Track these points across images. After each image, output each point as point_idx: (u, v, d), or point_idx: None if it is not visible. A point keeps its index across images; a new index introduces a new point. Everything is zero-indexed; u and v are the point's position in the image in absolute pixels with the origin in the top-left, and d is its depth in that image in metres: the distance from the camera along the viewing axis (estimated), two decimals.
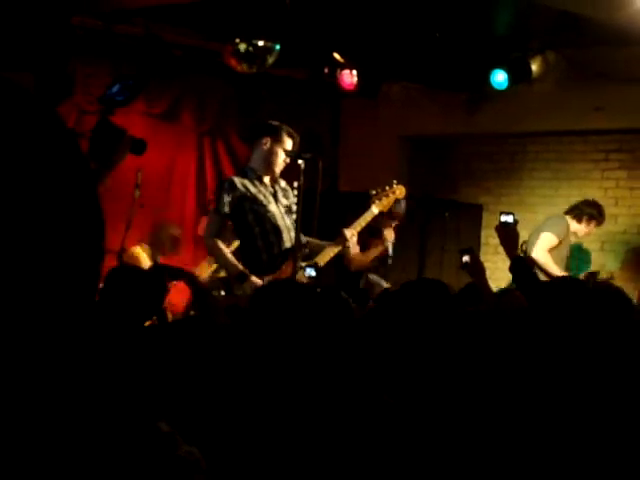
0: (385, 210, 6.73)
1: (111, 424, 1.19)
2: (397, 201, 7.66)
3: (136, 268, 5.98)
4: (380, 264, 7.94)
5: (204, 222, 7.59)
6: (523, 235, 6.17)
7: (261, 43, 7.49)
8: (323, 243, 6.45)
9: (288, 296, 3.55)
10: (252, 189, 6.39)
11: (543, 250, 8.00)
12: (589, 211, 8.36)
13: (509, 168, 10.54)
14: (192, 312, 6.87)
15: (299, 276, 6.05)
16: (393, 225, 7.62)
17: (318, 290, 4.10)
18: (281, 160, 6.41)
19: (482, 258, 7.09)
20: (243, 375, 3.02)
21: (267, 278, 6.11)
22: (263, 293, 3.80)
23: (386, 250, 7.58)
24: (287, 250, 6.35)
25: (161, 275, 4.76)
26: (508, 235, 5.19)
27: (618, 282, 7.40)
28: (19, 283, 0.91)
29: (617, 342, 3.04)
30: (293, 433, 2.82)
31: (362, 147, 10.49)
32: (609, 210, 9.40)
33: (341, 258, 7.19)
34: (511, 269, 4.97)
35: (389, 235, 7.55)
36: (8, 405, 0.96)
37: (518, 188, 10.46)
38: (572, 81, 8.74)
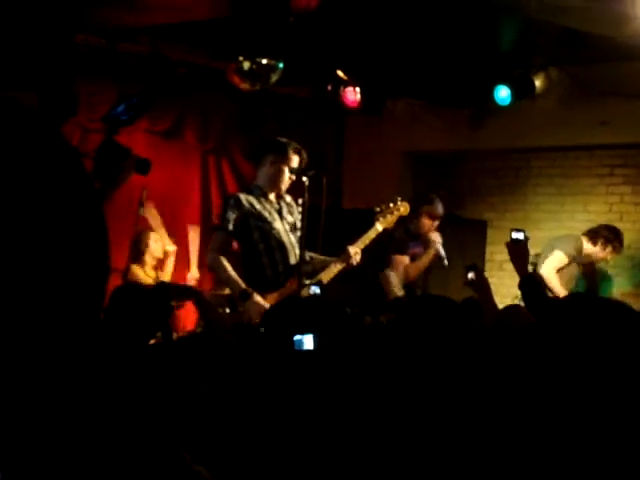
0: (390, 227, 6.72)
1: (117, 441, 1.18)
2: (436, 202, 7.66)
3: (140, 286, 5.98)
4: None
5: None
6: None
7: (265, 61, 7.50)
8: (327, 259, 6.45)
9: (299, 313, 3.54)
10: (257, 206, 6.39)
11: (552, 268, 7.97)
12: (605, 234, 8.23)
13: (513, 184, 10.54)
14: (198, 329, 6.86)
15: (304, 293, 6.04)
16: (435, 226, 7.62)
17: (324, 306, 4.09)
18: (286, 178, 6.40)
19: (487, 274, 7.06)
20: (249, 392, 3.01)
21: (271, 295, 6.11)
22: (276, 311, 3.78)
23: (437, 252, 7.56)
24: (291, 267, 6.34)
25: (165, 293, 4.75)
26: (518, 252, 5.18)
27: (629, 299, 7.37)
28: (25, 301, 0.90)
29: (628, 359, 3.02)
30: (299, 451, 2.81)
31: (366, 164, 10.50)
32: (614, 225, 9.39)
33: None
34: (520, 286, 4.95)
35: (436, 237, 7.56)
36: (18, 423, 0.96)
37: (523, 204, 10.45)
38: (575, 97, 8.75)
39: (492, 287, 5.49)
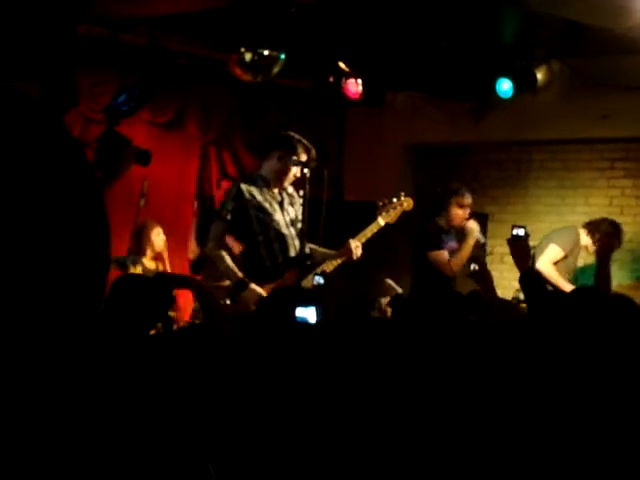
0: (392, 222, 6.62)
1: (118, 435, 1.19)
2: (462, 190, 7.57)
3: (141, 277, 5.99)
4: (478, 256, 7.60)
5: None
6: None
7: (266, 52, 7.49)
8: (327, 252, 6.43)
9: (293, 303, 3.55)
10: (258, 197, 6.38)
11: (548, 262, 7.92)
12: (604, 228, 8.20)
13: (515, 177, 10.52)
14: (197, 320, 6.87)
15: (306, 284, 6.04)
16: (467, 215, 7.50)
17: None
18: (292, 174, 6.39)
19: (488, 267, 7.07)
20: (249, 382, 3.01)
21: (268, 286, 6.10)
22: (269, 301, 3.79)
23: (478, 241, 7.45)
24: (290, 258, 6.34)
25: (166, 283, 4.76)
26: (519, 248, 5.21)
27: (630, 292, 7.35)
28: (25, 291, 0.90)
29: (630, 353, 3.03)
30: (299, 443, 2.82)
31: (367, 156, 10.48)
32: (615, 219, 9.38)
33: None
34: (521, 281, 4.97)
35: (473, 225, 7.44)
36: (19, 418, 0.96)
37: (524, 197, 10.43)
38: (577, 90, 8.74)
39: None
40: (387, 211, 6.61)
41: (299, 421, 2.88)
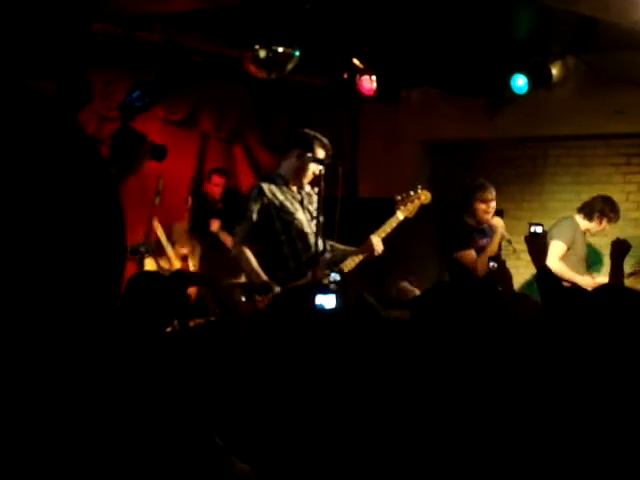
0: (411, 216, 6.58)
1: (132, 432, 1.19)
2: (485, 185, 7.52)
3: (157, 274, 5.99)
4: (497, 254, 7.51)
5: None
6: None
7: (281, 49, 7.49)
8: (348, 249, 6.41)
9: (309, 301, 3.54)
10: (280, 196, 6.36)
11: (556, 259, 7.90)
12: (600, 208, 8.23)
13: (530, 173, 10.48)
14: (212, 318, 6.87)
15: (324, 281, 6.02)
16: (491, 211, 7.46)
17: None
18: (310, 172, 6.38)
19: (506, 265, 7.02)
20: (264, 379, 3.01)
21: (292, 286, 6.08)
22: (282, 299, 3.79)
23: (503, 236, 7.42)
24: (313, 257, 6.30)
25: (182, 281, 4.76)
26: (536, 245, 5.20)
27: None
28: (42, 288, 0.91)
29: None
30: (312, 435, 2.82)
31: (381, 152, 10.47)
32: (631, 214, 9.33)
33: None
34: (537, 279, 4.96)
35: (498, 222, 7.41)
36: (32, 413, 0.96)
37: (540, 194, 10.39)
38: (592, 85, 8.70)
39: None
40: (405, 205, 6.57)
41: (311, 415, 2.88)
